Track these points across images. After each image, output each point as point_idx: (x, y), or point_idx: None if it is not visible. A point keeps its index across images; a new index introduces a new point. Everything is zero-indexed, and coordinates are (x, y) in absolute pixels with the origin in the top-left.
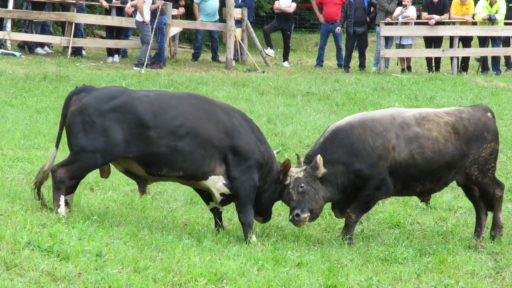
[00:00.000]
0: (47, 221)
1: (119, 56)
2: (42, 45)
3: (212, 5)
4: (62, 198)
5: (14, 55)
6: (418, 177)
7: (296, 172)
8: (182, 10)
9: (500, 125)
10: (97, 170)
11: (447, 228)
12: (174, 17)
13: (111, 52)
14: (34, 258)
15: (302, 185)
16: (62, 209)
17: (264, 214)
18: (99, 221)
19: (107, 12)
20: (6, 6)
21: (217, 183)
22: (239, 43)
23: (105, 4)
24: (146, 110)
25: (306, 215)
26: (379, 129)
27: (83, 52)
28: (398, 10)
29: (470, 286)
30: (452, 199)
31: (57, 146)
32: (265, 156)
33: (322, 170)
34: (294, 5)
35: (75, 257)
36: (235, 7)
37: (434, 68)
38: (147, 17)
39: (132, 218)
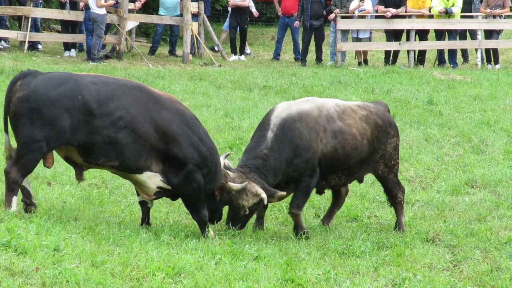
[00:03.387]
0: (4, 216)
1: (76, 50)
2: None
3: (172, 0)
4: (15, 199)
5: None
6: (337, 170)
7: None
8: (138, 4)
9: (457, 118)
10: (55, 165)
11: (405, 221)
12: (130, 11)
13: (67, 46)
14: None
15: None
16: (14, 208)
17: (216, 218)
18: (56, 216)
19: (62, 6)
20: None
21: (152, 178)
22: (196, 37)
23: None
24: (92, 98)
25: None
26: (312, 122)
27: (40, 46)
28: (355, 3)
29: (428, 279)
30: (409, 192)
31: (6, 131)
32: (206, 158)
33: (280, 194)
34: None
35: (33, 252)
36: (192, 1)
37: (391, 62)
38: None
39: (89, 212)
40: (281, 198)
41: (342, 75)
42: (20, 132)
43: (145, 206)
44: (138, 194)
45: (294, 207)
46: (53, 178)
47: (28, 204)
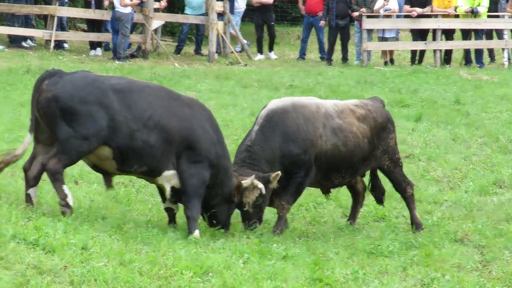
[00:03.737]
0: (32, 214)
1: (101, 49)
2: (25, 38)
3: None
4: (65, 187)
5: None
6: (341, 168)
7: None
8: (163, 3)
9: (484, 118)
10: (81, 163)
11: (433, 221)
12: (156, 10)
13: (93, 45)
14: (20, 251)
15: (259, 199)
16: (70, 197)
17: (224, 226)
18: (84, 214)
19: (87, 5)
20: None
21: (170, 179)
22: (221, 36)
23: None
24: (122, 100)
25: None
26: (309, 115)
27: (66, 45)
28: (380, 2)
29: (457, 280)
30: (437, 192)
31: (31, 131)
32: (220, 158)
33: (274, 184)
34: None
35: (61, 250)
36: (217, 0)
37: (417, 61)
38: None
39: (117, 211)
40: (276, 178)
41: (368, 75)
42: (58, 132)
43: (171, 212)
44: (163, 201)
45: (285, 200)
46: (80, 176)
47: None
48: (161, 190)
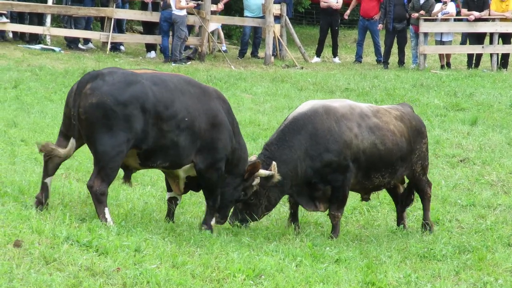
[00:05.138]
0: (86, 216)
1: (155, 51)
2: (86, 41)
3: (256, 2)
4: (107, 210)
5: (53, 50)
6: (380, 167)
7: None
8: (220, 6)
9: None
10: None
11: (486, 226)
12: (213, 12)
13: (150, 47)
14: (73, 252)
15: (252, 198)
16: (110, 221)
17: (221, 211)
18: (137, 217)
19: (144, 7)
20: (45, 1)
21: (186, 170)
22: (278, 39)
23: None
24: (159, 101)
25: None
26: (341, 116)
27: (122, 47)
28: (438, 6)
29: (510, 284)
30: (491, 196)
31: (75, 137)
32: (235, 151)
33: (277, 178)
34: (341, 1)
35: (114, 252)
36: (274, 3)
37: (473, 65)
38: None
39: None
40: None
41: (424, 78)
42: (97, 140)
43: (173, 203)
44: (169, 190)
45: (333, 209)
46: (135, 178)
47: (39, 202)
48: (168, 180)
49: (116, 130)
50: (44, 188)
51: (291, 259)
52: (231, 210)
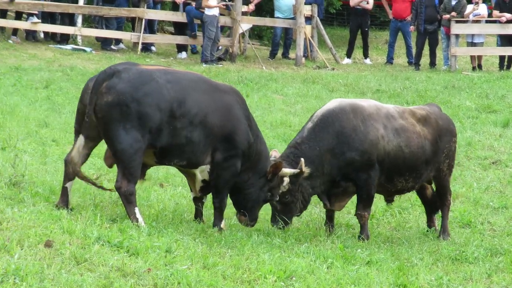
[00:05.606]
0: (117, 216)
1: (186, 52)
2: (118, 41)
3: (288, 2)
4: (137, 210)
5: (84, 50)
6: (404, 171)
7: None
8: (251, 7)
9: None
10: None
11: None
12: (244, 13)
13: (181, 48)
14: (104, 253)
15: (287, 196)
16: (141, 220)
17: (249, 213)
18: (168, 217)
19: (175, 8)
20: (77, 2)
21: (203, 171)
22: (309, 40)
23: None
24: (173, 98)
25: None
26: (368, 116)
27: (153, 48)
28: (469, 8)
29: None
30: None
31: (84, 134)
32: (251, 146)
33: (306, 172)
34: (372, 1)
35: (145, 253)
36: (305, 4)
37: (505, 67)
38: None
39: None
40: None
41: (456, 80)
42: (115, 139)
43: (199, 202)
44: (191, 190)
45: (360, 208)
46: (165, 179)
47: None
48: (189, 181)
49: (132, 128)
50: (64, 193)
51: (322, 261)
52: (257, 211)
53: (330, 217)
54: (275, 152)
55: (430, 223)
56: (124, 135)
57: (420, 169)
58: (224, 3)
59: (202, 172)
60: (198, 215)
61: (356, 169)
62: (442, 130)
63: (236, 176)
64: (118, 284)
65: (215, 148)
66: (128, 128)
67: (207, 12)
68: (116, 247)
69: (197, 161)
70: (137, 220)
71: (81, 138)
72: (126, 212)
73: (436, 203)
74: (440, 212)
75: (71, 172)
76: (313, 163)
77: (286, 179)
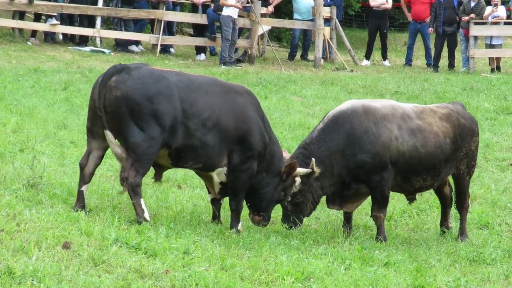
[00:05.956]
0: (135, 218)
1: (205, 54)
2: (136, 43)
3: (307, 4)
4: (143, 201)
5: (103, 52)
6: (421, 170)
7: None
8: (271, 8)
9: None
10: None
11: None
12: (263, 15)
13: (199, 50)
14: (122, 254)
15: (298, 197)
16: (147, 213)
17: (264, 213)
18: (186, 219)
19: (194, 9)
20: (96, 3)
21: (220, 174)
22: (328, 41)
23: (196, 0)
24: (184, 99)
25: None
26: (380, 118)
27: (172, 50)
28: (488, 9)
29: None
30: None
31: (107, 128)
32: (267, 147)
33: (317, 172)
34: (390, 1)
35: (163, 254)
36: (324, 5)
37: None
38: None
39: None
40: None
41: (474, 82)
42: (127, 133)
43: (217, 204)
44: (209, 192)
45: (375, 210)
46: (183, 181)
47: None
48: (207, 183)
49: (144, 124)
50: (80, 196)
51: (340, 262)
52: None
53: (348, 219)
54: (285, 153)
55: (444, 222)
56: (135, 131)
57: (439, 168)
58: (241, 4)
59: (219, 175)
60: (216, 216)
61: (368, 171)
62: (463, 129)
63: (253, 178)
64: (136, 286)
65: (231, 150)
66: (138, 124)
67: (223, 12)
68: (134, 249)
69: (213, 164)
70: (142, 211)
71: (107, 133)
72: (132, 203)
73: (450, 201)
74: (458, 212)
75: (87, 174)
76: (322, 163)
77: (298, 179)
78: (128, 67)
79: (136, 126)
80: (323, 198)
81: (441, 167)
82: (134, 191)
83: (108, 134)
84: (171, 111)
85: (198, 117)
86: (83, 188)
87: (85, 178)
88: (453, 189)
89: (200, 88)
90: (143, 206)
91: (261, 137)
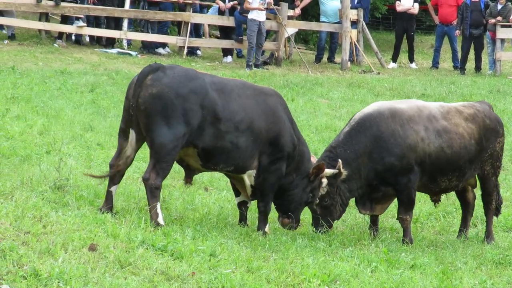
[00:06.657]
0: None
1: (232, 56)
2: (163, 45)
3: (333, 7)
4: (159, 205)
5: (130, 54)
6: (447, 171)
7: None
8: (298, 11)
9: None
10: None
11: None
12: (289, 18)
13: (226, 52)
14: (148, 257)
15: (326, 199)
16: (161, 217)
17: (293, 215)
18: (213, 221)
19: (221, 11)
20: (123, 6)
21: (250, 176)
22: (355, 44)
23: (222, 5)
24: (217, 100)
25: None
26: (407, 119)
27: (199, 52)
28: None
29: None
30: None
31: (133, 128)
32: (296, 148)
33: (344, 174)
34: (417, 5)
35: (189, 257)
36: (351, 8)
37: None
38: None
39: None
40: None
41: (501, 84)
42: (156, 132)
43: (244, 206)
44: (237, 195)
45: (401, 212)
46: (210, 183)
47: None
48: (234, 185)
49: (174, 123)
50: (109, 197)
51: (366, 265)
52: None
53: (374, 221)
54: (313, 158)
55: (463, 228)
56: (165, 130)
57: (464, 168)
58: (263, 7)
59: (249, 177)
60: (243, 219)
61: (396, 173)
62: (488, 129)
63: (282, 179)
64: None
65: (262, 152)
66: (169, 123)
67: (248, 15)
68: (160, 251)
69: (245, 166)
70: (157, 215)
71: (132, 133)
72: (148, 204)
73: (472, 208)
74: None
75: (117, 176)
76: (349, 166)
77: (325, 180)
78: (163, 66)
79: (166, 125)
80: (352, 202)
81: (466, 167)
82: (153, 193)
83: (132, 134)
84: (202, 110)
85: (230, 120)
86: (112, 188)
87: (114, 179)
88: (480, 193)
89: (233, 91)
90: (159, 210)
91: (291, 138)
